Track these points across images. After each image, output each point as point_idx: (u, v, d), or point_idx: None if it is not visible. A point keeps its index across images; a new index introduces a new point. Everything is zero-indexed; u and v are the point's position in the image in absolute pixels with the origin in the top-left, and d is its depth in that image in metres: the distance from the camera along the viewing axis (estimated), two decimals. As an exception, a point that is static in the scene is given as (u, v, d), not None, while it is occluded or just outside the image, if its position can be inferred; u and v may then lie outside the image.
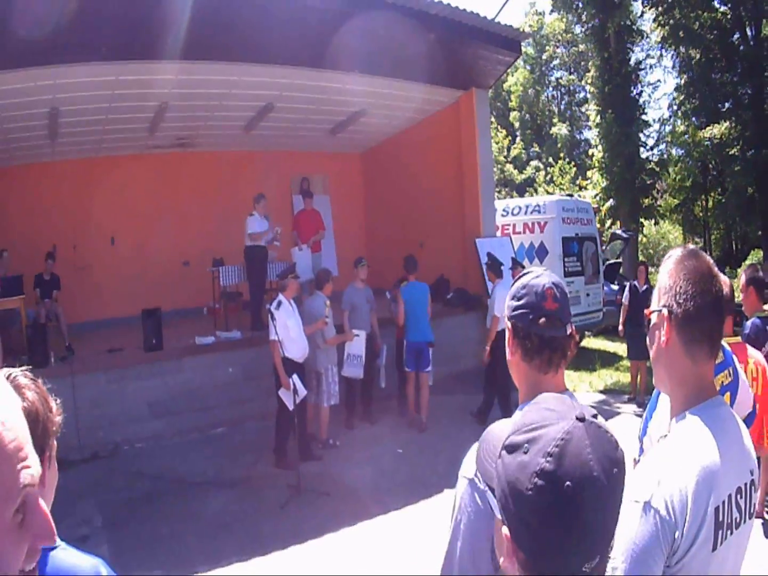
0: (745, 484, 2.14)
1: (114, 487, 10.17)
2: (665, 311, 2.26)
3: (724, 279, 4.12)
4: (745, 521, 2.13)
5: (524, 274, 2.51)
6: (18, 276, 13.74)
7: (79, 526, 8.34)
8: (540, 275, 2.47)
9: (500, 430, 1.70)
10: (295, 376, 10.22)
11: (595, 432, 1.39)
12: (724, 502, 2.03)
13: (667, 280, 2.31)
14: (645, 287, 14.42)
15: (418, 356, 12.71)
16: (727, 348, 4.42)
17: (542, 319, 2.36)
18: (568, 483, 1.31)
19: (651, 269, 18.58)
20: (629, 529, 1.92)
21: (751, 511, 2.17)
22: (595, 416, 1.45)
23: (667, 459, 2.07)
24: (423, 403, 12.79)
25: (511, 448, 1.43)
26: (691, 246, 2.44)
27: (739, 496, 2.10)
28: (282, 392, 10.37)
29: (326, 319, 11.42)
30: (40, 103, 13.96)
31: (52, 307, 14.55)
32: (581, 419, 1.40)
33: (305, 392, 10.43)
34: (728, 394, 3.00)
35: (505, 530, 1.43)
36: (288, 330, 10.53)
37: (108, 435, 11.81)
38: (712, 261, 2.34)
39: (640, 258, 34.23)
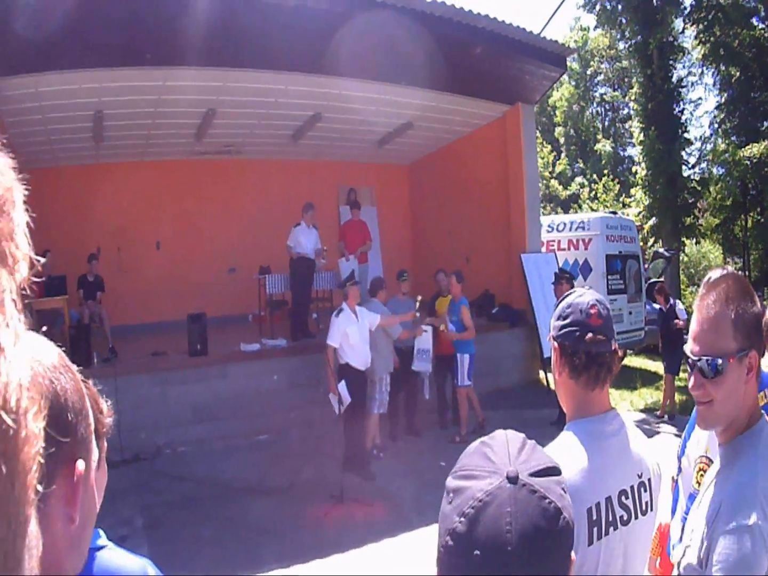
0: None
1: (155, 490, 10.25)
2: (755, 352, 2.25)
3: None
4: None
5: (568, 295, 2.57)
6: (61, 276, 13.71)
7: (119, 526, 8.37)
8: (583, 294, 2.53)
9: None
10: (342, 383, 10.27)
11: (524, 498, 1.26)
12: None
13: (743, 315, 2.25)
14: (668, 306, 14.63)
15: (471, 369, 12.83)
16: (764, 370, 4.34)
17: (589, 335, 2.40)
18: (476, 552, 1.21)
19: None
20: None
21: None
22: (542, 472, 1.34)
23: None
24: (479, 410, 13.06)
25: (445, 490, 1.38)
26: (725, 269, 2.43)
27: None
28: (331, 396, 10.47)
29: (416, 314, 11.73)
30: (85, 105, 14.13)
31: (96, 309, 14.55)
32: (513, 480, 1.28)
33: (349, 400, 10.37)
34: (764, 414, 3.01)
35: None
36: (348, 337, 10.64)
37: (150, 438, 11.88)
38: (745, 279, 2.39)
39: (682, 277, 34.07)
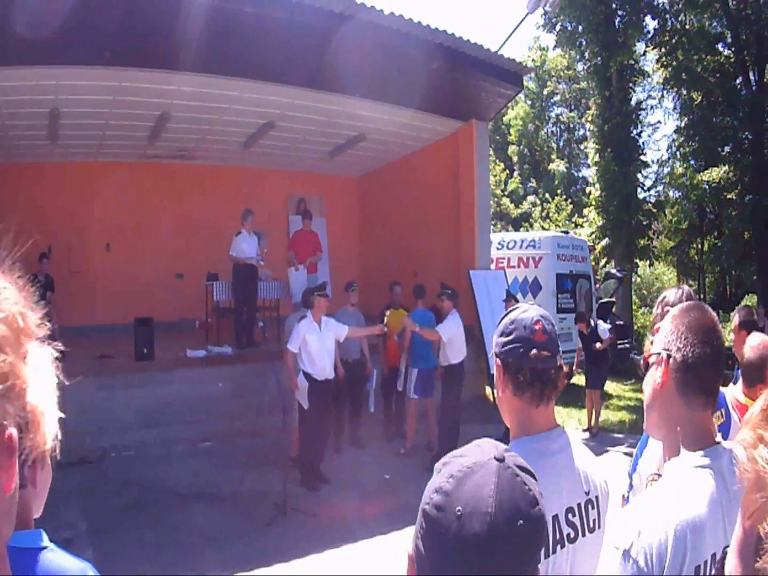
0: None
1: (100, 493, 10.17)
2: (664, 354, 2.27)
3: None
4: None
5: (511, 311, 2.55)
6: (11, 275, 13.63)
7: (63, 529, 8.27)
8: (527, 309, 2.52)
9: None
10: (304, 385, 10.57)
11: (508, 477, 1.33)
12: (706, 562, 1.97)
13: (669, 326, 2.32)
14: (589, 330, 15.26)
15: (426, 383, 12.85)
16: (721, 390, 4.33)
17: (533, 351, 2.39)
18: (458, 508, 1.27)
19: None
20: (607, 573, 1.97)
21: None
22: (524, 469, 1.39)
23: (650, 508, 2.05)
24: (432, 427, 12.96)
25: (434, 469, 1.43)
26: (698, 303, 2.47)
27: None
28: (298, 395, 10.70)
29: (383, 328, 11.79)
30: (41, 102, 14.05)
31: (46, 309, 14.38)
32: (500, 460, 1.35)
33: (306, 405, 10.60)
34: (720, 434, 3.00)
35: (409, 548, 1.41)
36: (307, 344, 10.72)
37: (95, 441, 11.77)
38: (715, 316, 2.37)
39: (634, 298, 34.24)
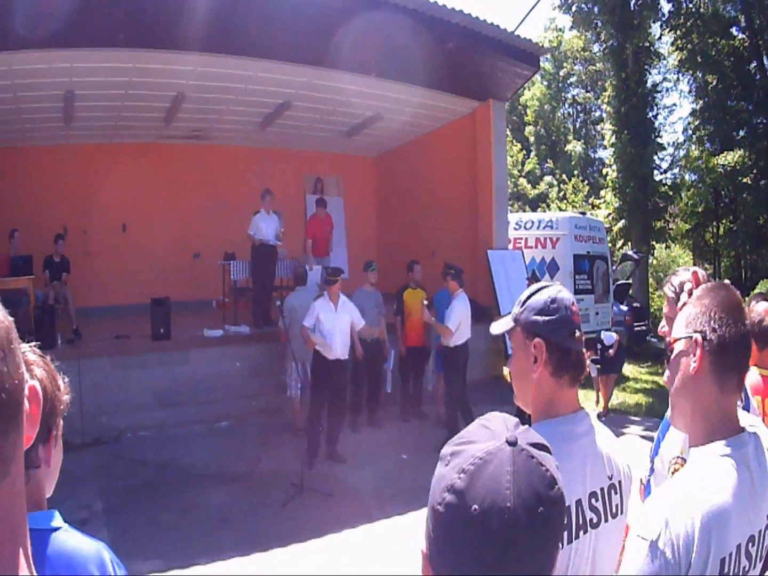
0: (760, 532, 2.05)
1: (116, 474, 10.19)
2: (698, 336, 2.14)
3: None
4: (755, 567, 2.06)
5: (541, 288, 2.49)
6: (28, 256, 13.74)
7: (78, 510, 8.34)
8: (561, 289, 2.48)
9: None
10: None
11: (524, 461, 1.25)
12: (731, 554, 1.93)
13: (698, 307, 2.21)
14: (599, 351, 14.96)
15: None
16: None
17: (577, 333, 2.38)
18: (475, 507, 1.20)
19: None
20: (633, 566, 1.90)
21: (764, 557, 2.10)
22: (538, 445, 1.32)
23: (676, 497, 1.98)
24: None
25: (440, 458, 1.35)
26: (723, 282, 2.41)
27: (750, 545, 2.00)
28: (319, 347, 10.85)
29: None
30: (55, 85, 14.04)
31: (61, 290, 14.47)
32: (512, 443, 1.27)
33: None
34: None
35: (422, 544, 1.35)
36: (321, 323, 10.87)
37: (111, 421, 11.82)
38: (739, 294, 2.30)
39: (650, 281, 34.19)
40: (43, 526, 1.58)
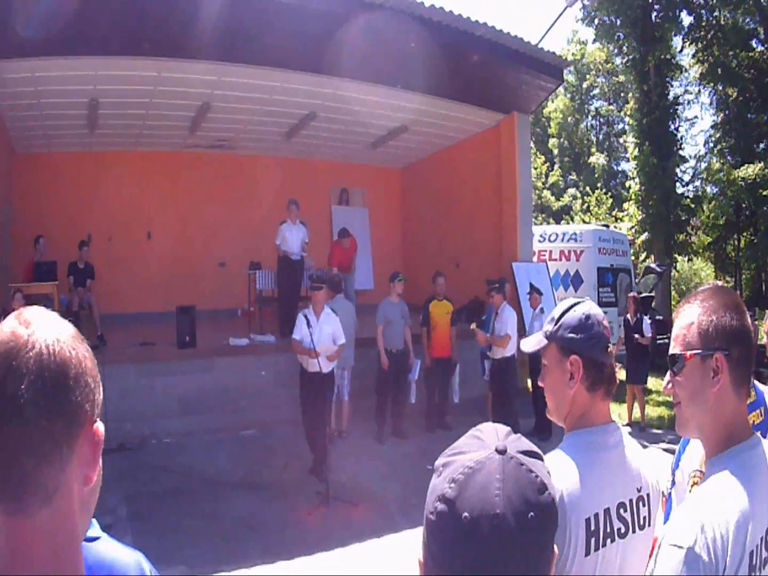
0: None
1: (140, 480, 10.25)
2: (722, 355, 2.11)
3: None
4: None
5: (575, 304, 2.53)
6: (52, 262, 13.85)
7: (103, 515, 8.31)
8: (592, 305, 2.52)
9: None
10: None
11: (513, 469, 1.28)
12: (757, 546, 1.97)
13: (714, 320, 2.15)
14: (636, 318, 14.98)
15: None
16: (760, 387, 4.27)
17: (610, 348, 2.43)
18: (465, 514, 1.22)
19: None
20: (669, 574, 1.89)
21: None
22: (529, 453, 1.35)
23: (707, 502, 1.99)
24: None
25: (434, 469, 1.37)
26: (717, 282, 2.42)
27: None
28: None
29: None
30: (80, 93, 14.15)
31: (85, 296, 14.56)
32: (501, 452, 1.30)
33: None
34: (758, 433, 2.93)
35: (419, 554, 1.38)
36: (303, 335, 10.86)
37: (136, 428, 11.90)
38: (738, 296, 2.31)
39: (673, 293, 34.15)
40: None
